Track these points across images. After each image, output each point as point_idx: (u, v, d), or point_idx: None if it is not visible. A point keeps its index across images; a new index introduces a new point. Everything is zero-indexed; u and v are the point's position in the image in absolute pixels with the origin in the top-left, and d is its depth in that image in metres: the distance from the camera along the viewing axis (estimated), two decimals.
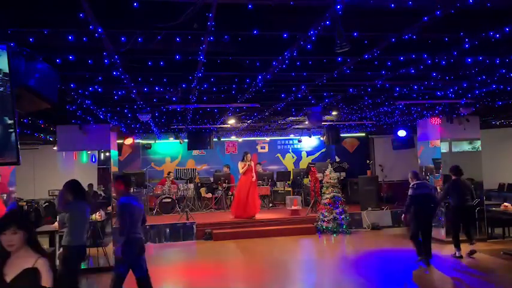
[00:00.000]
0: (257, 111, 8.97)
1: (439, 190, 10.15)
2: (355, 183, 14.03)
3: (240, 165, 12.01)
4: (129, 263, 5.40)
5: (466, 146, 10.49)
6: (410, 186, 8.22)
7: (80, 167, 9.17)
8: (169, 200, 13.30)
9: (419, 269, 7.94)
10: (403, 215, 8.37)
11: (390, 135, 13.98)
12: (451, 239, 9.66)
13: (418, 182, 8.21)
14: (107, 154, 9.04)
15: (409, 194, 8.17)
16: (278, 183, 15.07)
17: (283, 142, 16.40)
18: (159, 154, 15.64)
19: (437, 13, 3.55)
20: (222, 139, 15.24)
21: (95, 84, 5.74)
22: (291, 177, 15.04)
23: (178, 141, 13.84)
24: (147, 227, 11.04)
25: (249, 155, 12.16)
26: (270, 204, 14.28)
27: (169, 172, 14.31)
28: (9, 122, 3.29)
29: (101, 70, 5.00)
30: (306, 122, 9.53)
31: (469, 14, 3.98)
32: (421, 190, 8.11)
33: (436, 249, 9.38)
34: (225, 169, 14.66)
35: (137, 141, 14.25)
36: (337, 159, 15.86)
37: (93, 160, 9.15)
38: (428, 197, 8.19)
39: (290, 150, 16.44)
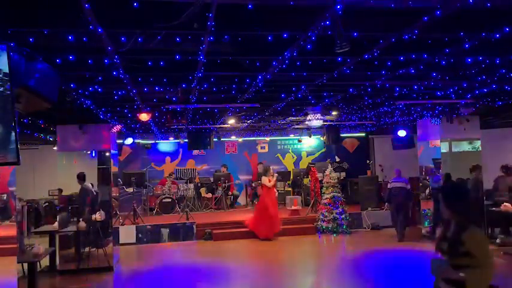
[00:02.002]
0: (257, 111, 8.97)
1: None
2: (355, 183, 14.02)
3: (266, 179, 11.00)
4: None
5: (466, 146, 10.49)
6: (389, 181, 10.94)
7: (80, 167, 9.16)
8: (169, 200, 13.29)
9: (419, 269, 7.94)
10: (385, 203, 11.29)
11: (390, 135, 13.98)
12: None
13: (394, 178, 10.67)
14: (107, 154, 9.05)
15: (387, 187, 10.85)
16: (278, 183, 15.05)
17: (283, 142, 16.39)
18: (159, 154, 15.63)
19: (437, 13, 3.55)
20: (222, 139, 15.23)
21: (95, 84, 5.74)
22: (291, 177, 15.04)
23: (178, 141, 13.82)
24: (148, 226, 11.06)
25: (271, 168, 11.48)
26: None
27: (171, 173, 14.31)
28: (9, 122, 3.29)
29: (101, 70, 5.00)
30: (306, 122, 9.53)
31: (469, 14, 3.97)
32: (394, 184, 10.50)
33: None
34: (223, 169, 14.65)
35: (137, 141, 14.25)
36: (337, 159, 15.84)
37: (93, 155, 9.13)
38: (400, 190, 10.36)
39: (290, 150, 16.43)
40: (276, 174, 11.68)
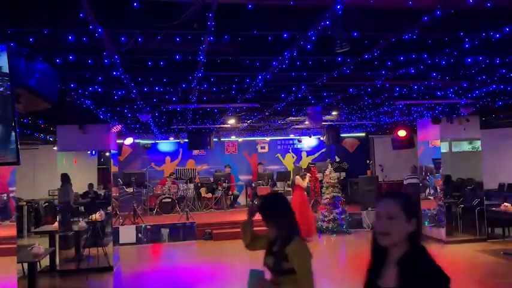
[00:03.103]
0: (257, 111, 8.96)
1: (438, 190, 10.17)
2: (355, 183, 14.03)
3: (300, 179, 10.83)
4: None
5: (466, 146, 10.49)
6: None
7: (80, 167, 9.17)
8: (169, 200, 13.29)
9: None
10: None
11: (390, 135, 13.98)
12: (451, 239, 9.69)
13: (409, 174, 11.82)
14: (107, 154, 9.05)
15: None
16: (278, 183, 15.07)
17: (283, 142, 16.39)
18: (159, 154, 15.63)
19: (437, 13, 3.55)
20: (222, 139, 15.24)
21: (95, 84, 5.73)
22: (291, 177, 15.02)
23: (178, 141, 13.83)
24: (148, 226, 11.06)
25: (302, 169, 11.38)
26: None
27: (171, 173, 14.30)
28: (9, 122, 3.28)
29: (101, 70, 4.99)
30: (306, 122, 9.52)
31: (469, 14, 3.97)
32: (409, 181, 11.66)
33: (436, 249, 9.39)
34: (227, 169, 14.64)
35: (137, 141, 14.26)
36: (337, 159, 15.85)
37: (93, 153, 9.13)
38: (413, 186, 11.32)
39: (290, 150, 16.43)
40: (308, 174, 11.45)
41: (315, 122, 8.82)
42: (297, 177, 10.92)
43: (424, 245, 1.99)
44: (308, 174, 11.50)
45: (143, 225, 11.08)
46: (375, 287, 2.01)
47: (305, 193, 10.98)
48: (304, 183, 10.87)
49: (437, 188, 10.21)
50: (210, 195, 14.07)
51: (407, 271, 1.90)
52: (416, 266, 1.90)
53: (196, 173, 14.58)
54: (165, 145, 15.65)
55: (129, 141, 12.36)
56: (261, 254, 2.90)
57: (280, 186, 15.07)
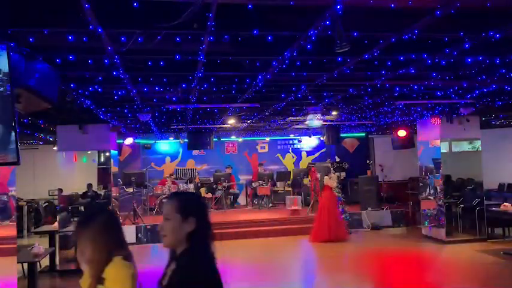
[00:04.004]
0: (257, 111, 8.96)
1: (438, 190, 10.17)
2: (355, 183, 14.03)
3: (329, 180, 10.73)
4: None
5: (466, 146, 10.49)
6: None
7: (80, 167, 9.17)
8: None
9: (418, 270, 7.94)
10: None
11: (390, 135, 13.99)
12: (451, 239, 9.68)
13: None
14: (107, 154, 9.04)
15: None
16: (278, 183, 15.06)
17: (283, 142, 16.38)
18: (159, 154, 15.63)
19: (437, 13, 3.55)
20: (222, 139, 15.23)
21: (95, 84, 5.74)
22: (291, 177, 15.03)
23: (178, 141, 13.81)
24: (148, 226, 11.05)
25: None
26: (270, 204, 14.27)
27: (171, 173, 14.30)
28: (9, 122, 3.29)
29: (101, 70, 5.00)
30: (306, 122, 9.52)
31: (469, 14, 3.97)
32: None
33: (436, 249, 9.40)
34: (228, 170, 14.63)
35: (137, 141, 14.25)
36: (337, 159, 15.84)
37: (94, 160, 9.16)
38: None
39: (290, 150, 16.43)
40: (334, 174, 11.31)
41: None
42: (326, 177, 10.81)
43: (205, 244, 2.03)
44: (333, 172, 11.37)
45: (143, 225, 11.07)
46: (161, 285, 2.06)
47: (334, 193, 10.84)
48: (334, 183, 10.75)
49: (437, 188, 10.21)
50: (210, 195, 14.06)
51: (175, 269, 1.97)
52: (181, 264, 1.96)
53: (196, 173, 14.57)
54: (165, 145, 15.64)
55: (129, 141, 12.36)
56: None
57: (280, 186, 15.07)
